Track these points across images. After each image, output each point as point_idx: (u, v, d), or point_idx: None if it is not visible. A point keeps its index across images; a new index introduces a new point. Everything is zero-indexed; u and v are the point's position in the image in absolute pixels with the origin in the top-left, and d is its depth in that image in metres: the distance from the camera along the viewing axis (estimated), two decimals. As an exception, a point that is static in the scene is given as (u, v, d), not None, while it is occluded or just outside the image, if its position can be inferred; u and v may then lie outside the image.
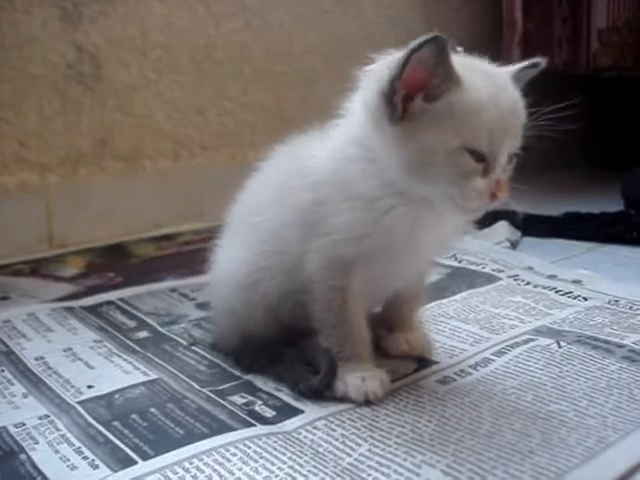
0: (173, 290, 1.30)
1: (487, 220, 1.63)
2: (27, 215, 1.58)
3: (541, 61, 0.87)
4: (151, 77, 1.71)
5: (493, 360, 0.98)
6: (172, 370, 0.98)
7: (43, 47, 1.57)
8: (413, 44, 0.76)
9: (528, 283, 1.28)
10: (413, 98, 0.79)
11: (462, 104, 0.78)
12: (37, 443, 0.81)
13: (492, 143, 0.79)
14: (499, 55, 0.90)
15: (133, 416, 0.86)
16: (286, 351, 0.96)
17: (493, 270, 1.36)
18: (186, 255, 1.52)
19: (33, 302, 1.26)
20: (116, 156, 1.69)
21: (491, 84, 0.80)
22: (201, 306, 1.20)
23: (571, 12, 2.09)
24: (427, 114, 0.79)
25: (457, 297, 1.23)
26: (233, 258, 0.97)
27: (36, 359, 1.03)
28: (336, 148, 0.88)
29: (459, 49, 0.85)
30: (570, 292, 1.23)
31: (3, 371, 0.99)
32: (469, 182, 0.80)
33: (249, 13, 1.83)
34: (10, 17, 1.53)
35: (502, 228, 1.59)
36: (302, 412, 0.86)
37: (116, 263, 1.50)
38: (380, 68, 0.82)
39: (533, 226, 1.63)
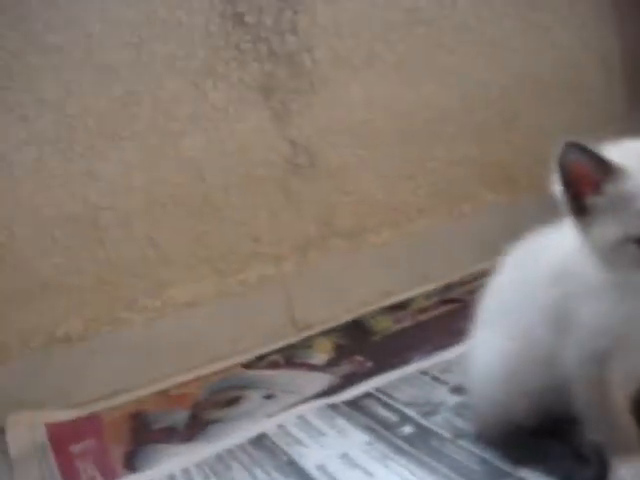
0: (424, 373, 1.34)
1: None
2: (269, 304, 1.71)
3: None
4: (361, 154, 1.78)
5: None
6: (445, 472, 1.01)
7: (261, 148, 1.69)
8: (554, 155, 0.80)
9: None
10: (585, 195, 0.82)
11: (620, 193, 0.79)
12: None
13: None
14: None
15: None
16: (553, 443, 0.97)
17: None
18: (424, 327, 1.56)
19: (294, 398, 1.36)
20: (340, 234, 1.78)
21: None
22: (455, 390, 1.23)
23: None
24: (597, 208, 0.81)
25: None
26: (490, 350, 1.00)
27: (317, 468, 1.10)
28: (567, 239, 0.89)
29: None
30: None
31: (291, 483, 1.08)
32: None
33: (443, 71, 1.86)
34: (226, 126, 1.66)
35: None
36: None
37: (360, 343, 1.57)
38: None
39: None
